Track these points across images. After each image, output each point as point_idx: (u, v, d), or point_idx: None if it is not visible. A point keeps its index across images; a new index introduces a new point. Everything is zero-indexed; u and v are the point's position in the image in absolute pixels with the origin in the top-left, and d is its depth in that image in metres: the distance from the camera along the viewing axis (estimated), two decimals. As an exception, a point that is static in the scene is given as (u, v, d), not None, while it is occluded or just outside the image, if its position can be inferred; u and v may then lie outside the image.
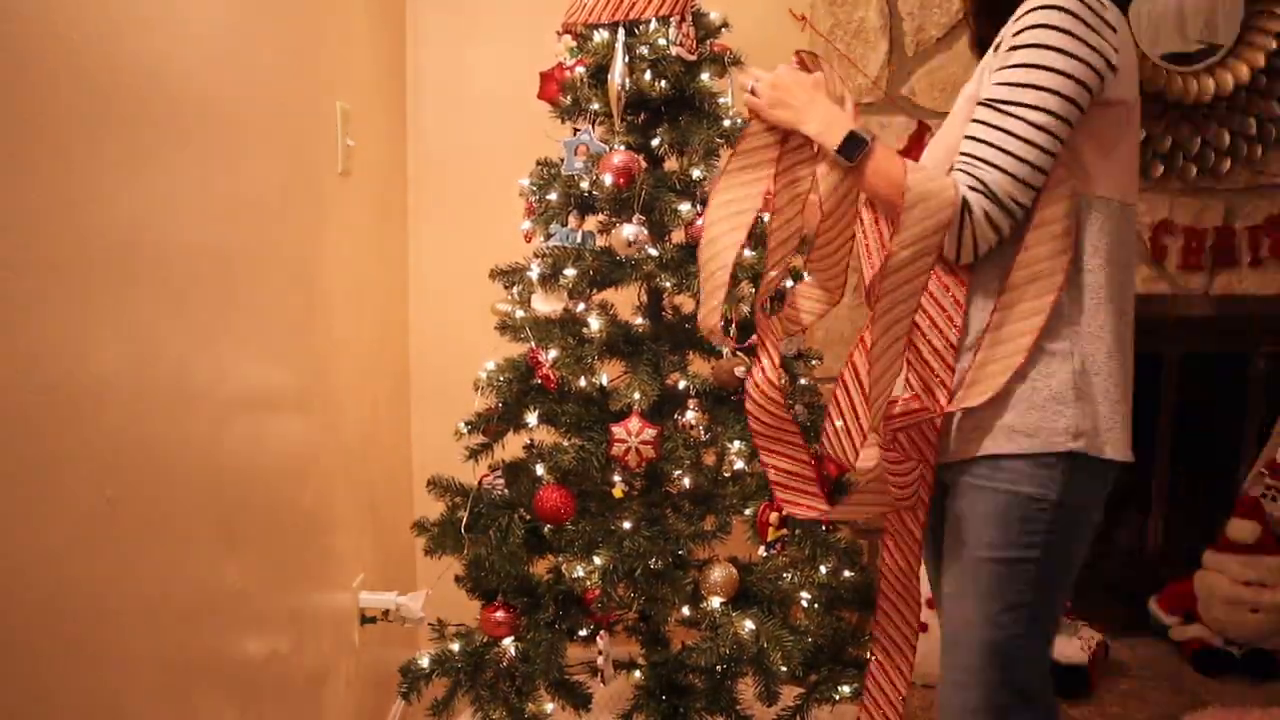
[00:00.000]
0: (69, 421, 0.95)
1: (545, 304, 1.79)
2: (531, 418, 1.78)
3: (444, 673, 1.86)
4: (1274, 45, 2.58)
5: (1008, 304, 1.28)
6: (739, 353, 1.74)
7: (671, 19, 1.75)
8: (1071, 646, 2.50)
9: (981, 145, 1.23)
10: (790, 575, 1.77)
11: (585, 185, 1.76)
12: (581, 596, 1.76)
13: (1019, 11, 1.25)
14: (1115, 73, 1.23)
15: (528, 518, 1.77)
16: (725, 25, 1.87)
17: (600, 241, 1.81)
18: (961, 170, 1.24)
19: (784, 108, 1.33)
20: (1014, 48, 1.23)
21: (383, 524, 2.30)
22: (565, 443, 1.74)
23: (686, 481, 1.79)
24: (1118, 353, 1.31)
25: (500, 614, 1.78)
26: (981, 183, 1.21)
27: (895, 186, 1.23)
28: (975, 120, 1.25)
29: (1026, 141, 1.21)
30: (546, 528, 1.76)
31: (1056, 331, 1.28)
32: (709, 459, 1.86)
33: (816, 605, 1.83)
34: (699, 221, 1.72)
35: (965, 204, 1.22)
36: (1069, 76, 1.20)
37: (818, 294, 1.50)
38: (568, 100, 1.83)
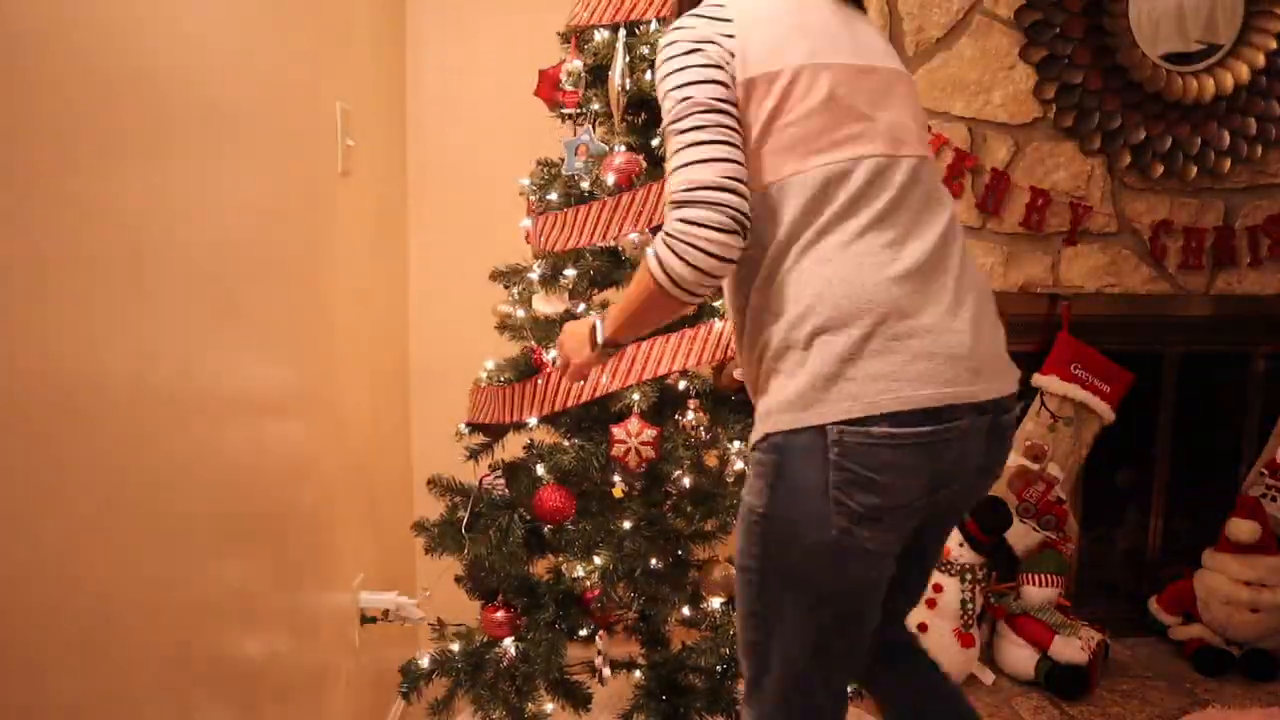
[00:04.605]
0: (69, 421, 0.95)
1: (546, 305, 1.79)
2: (532, 419, 1.78)
3: (444, 673, 1.86)
4: (1274, 45, 2.58)
5: None
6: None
7: (672, 19, 1.75)
8: (1071, 646, 2.50)
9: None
10: (790, 575, 1.77)
11: (586, 185, 1.76)
12: (581, 596, 1.76)
13: None
14: (734, 57, 1.22)
15: (528, 518, 1.77)
16: (725, 25, 1.87)
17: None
18: None
19: (571, 362, 1.45)
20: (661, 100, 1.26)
21: (383, 524, 2.30)
22: (565, 443, 1.74)
23: (686, 481, 1.79)
24: (810, 324, 1.20)
25: (500, 614, 1.78)
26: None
27: (641, 297, 1.26)
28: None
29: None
30: (546, 528, 1.76)
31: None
32: (710, 461, 1.86)
33: (817, 605, 1.83)
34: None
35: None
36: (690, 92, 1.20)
37: None
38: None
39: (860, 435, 1.17)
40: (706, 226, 1.15)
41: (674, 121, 1.21)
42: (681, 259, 1.16)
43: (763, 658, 1.33)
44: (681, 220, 1.16)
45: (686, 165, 1.18)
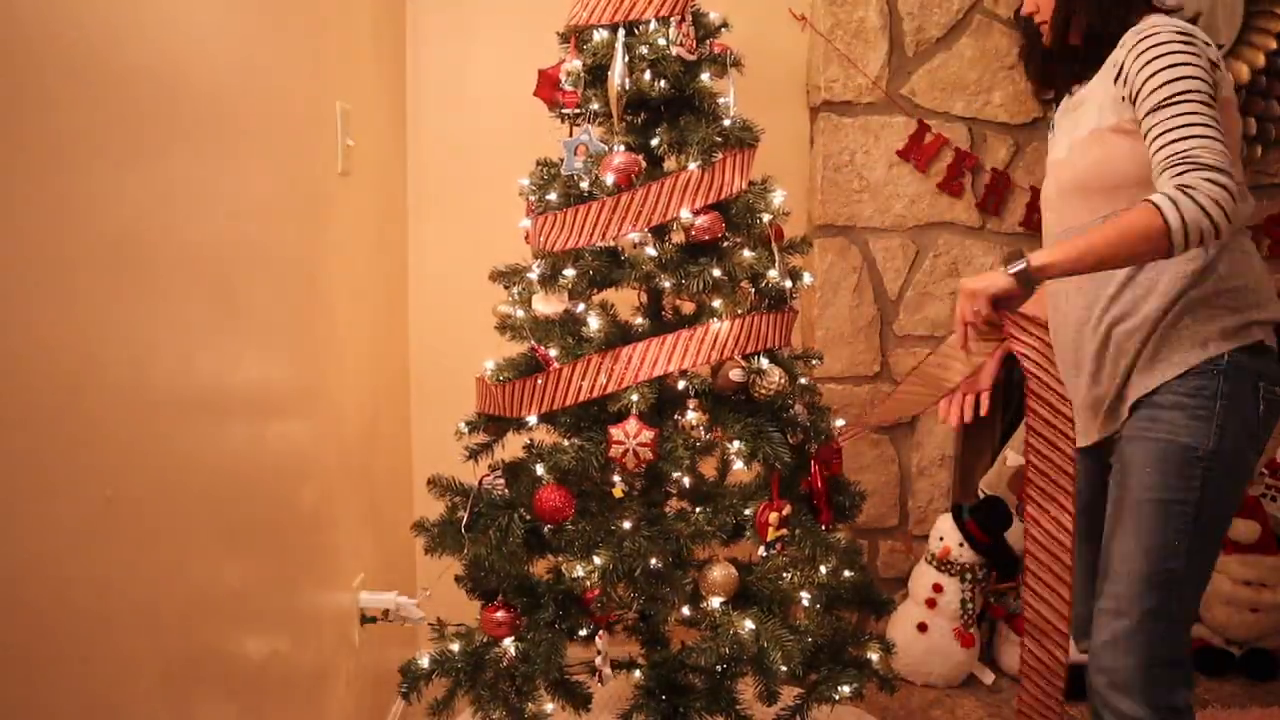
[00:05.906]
0: (69, 421, 0.95)
1: (546, 305, 1.79)
2: (531, 418, 1.78)
3: (444, 673, 1.86)
4: (1274, 45, 2.58)
5: None
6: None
7: (671, 19, 1.75)
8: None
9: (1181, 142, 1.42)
10: (790, 575, 1.77)
11: (585, 185, 1.76)
12: (581, 596, 1.76)
13: (1128, 44, 1.52)
14: (1220, 72, 1.51)
15: (528, 518, 1.77)
16: (725, 25, 1.87)
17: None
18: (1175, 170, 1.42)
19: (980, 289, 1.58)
20: (1146, 71, 1.48)
21: (383, 524, 2.30)
22: (565, 443, 1.74)
23: (686, 481, 1.79)
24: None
25: (500, 614, 1.78)
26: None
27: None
28: (1155, 131, 1.46)
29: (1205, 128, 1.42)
30: (546, 528, 1.76)
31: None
32: (712, 466, 1.86)
33: (816, 605, 1.83)
34: (699, 222, 1.73)
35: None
36: (1198, 79, 1.45)
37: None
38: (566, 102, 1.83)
39: None
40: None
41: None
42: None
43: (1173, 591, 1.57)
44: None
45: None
